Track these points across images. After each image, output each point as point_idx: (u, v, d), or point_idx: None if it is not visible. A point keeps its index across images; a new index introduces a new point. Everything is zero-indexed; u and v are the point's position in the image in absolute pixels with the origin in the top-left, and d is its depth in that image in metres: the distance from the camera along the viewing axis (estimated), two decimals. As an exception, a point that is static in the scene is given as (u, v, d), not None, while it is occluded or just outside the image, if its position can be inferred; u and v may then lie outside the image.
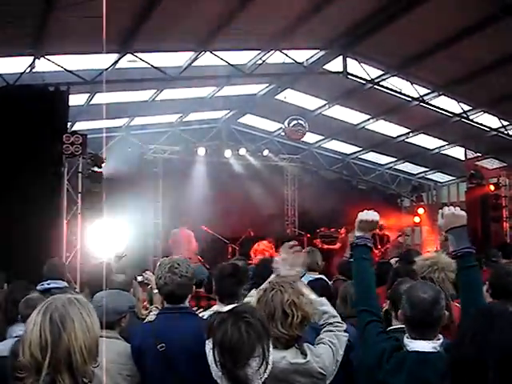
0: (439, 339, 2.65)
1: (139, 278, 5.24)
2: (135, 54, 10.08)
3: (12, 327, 3.81)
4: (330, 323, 3.10)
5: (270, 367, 2.08)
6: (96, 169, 11.34)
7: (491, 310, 1.90)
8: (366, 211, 3.07)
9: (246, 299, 3.70)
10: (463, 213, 2.89)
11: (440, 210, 2.95)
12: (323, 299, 3.24)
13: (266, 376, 2.06)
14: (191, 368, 2.51)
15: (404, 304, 2.70)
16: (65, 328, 1.84)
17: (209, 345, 2.09)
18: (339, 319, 3.16)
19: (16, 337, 3.50)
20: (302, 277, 3.82)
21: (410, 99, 12.86)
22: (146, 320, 4.07)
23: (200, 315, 3.72)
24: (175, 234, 13.56)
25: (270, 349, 2.11)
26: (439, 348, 2.61)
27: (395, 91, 12.46)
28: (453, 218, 2.87)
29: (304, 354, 2.82)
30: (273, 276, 3.39)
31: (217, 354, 2.04)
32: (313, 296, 3.17)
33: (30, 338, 1.84)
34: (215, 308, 3.83)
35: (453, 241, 2.87)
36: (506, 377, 1.68)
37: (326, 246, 15.32)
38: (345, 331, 3.12)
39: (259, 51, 11.23)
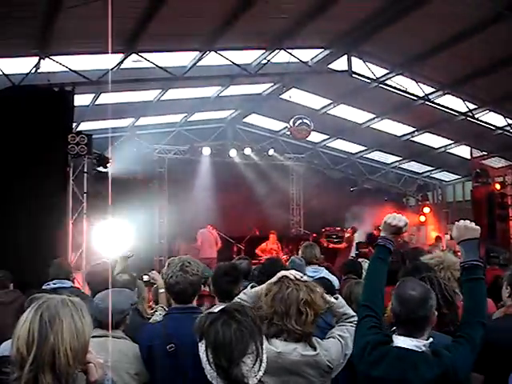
0: (427, 339, 2.62)
1: (145, 278, 5.24)
2: (140, 53, 10.09)
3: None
4: (348, 321, 3.15)
5: (264, 364, 2.08)
6: (101, 169, 11.36)
7: None
8: (394, 214, 3.02)
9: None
10: (476, 227, 2.93)
11: (456, 223, 2.99)
12: (342, 301, 3.27)
13: (261, 373, 2.06)
14: (200, 368, 2.51)
15: (393, 300, 2.71)
16: (52, 328, 1.86)
17: (202, 346, 2.10)
18: (356, 318, 3.16)
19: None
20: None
21: (415, 98, 12.83)
22: (152, 319, 4.06)
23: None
24: (203, 233, 13.63)
25: (264, 345, 2.12)
26: (424, 348, 2.59)
27: (400, 90, 12.43)
28: (464, 230, 2.91)
29: (313, 347, 2.87)
30: None
31: (210, 355, 2.05)
32: (332, 299, 3.21)
33: (19, 333, 1.87)
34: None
35: (463, 252, 2.91)
36: None
37: (331, 245, 15.33)
38: None
39: (264, 51, 11.24)
